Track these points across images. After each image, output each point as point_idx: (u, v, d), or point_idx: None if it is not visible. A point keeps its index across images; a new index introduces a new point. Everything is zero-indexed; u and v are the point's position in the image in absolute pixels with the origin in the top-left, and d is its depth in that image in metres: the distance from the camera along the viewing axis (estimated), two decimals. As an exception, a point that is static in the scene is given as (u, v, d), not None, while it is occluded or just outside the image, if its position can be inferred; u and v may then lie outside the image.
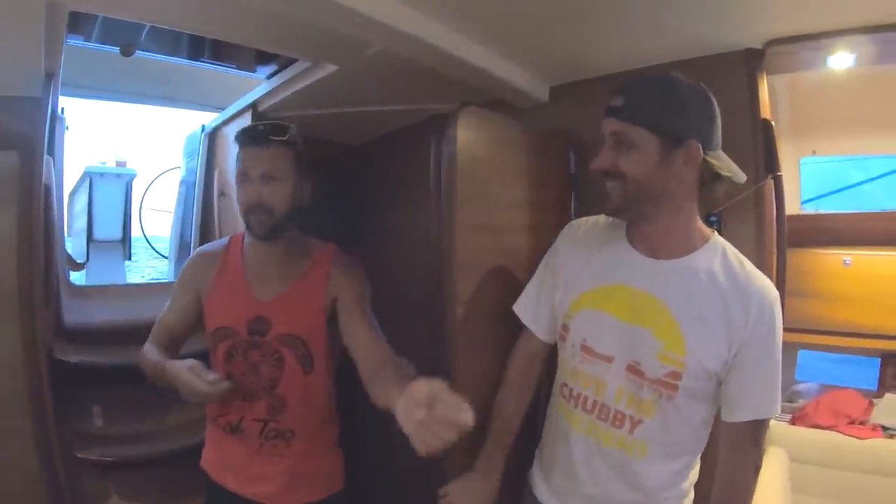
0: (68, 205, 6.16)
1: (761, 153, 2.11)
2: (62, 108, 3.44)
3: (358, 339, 1.90)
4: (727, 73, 2.13)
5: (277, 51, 2.57)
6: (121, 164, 6.52)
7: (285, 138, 1.90)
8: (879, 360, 3.75)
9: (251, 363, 1.93)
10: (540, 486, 1.83)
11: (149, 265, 10.38)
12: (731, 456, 1.61)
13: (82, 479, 2.69)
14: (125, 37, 2.97)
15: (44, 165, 2.58)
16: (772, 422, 1.68)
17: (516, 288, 1.96)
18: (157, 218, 7.19)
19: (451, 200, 1.85)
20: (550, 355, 1.88)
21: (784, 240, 2.14)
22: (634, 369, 1.59)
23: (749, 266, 1.58)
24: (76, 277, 4.78)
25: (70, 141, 3.77)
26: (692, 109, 1.52)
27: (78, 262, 5.29)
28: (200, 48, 3.23)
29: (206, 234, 4.02)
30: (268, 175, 1.87)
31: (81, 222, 6.13)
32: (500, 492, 1.85)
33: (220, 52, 3.23)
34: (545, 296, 1.83)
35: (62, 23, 2.07)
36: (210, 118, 4.09)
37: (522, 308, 1.89)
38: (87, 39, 2.97)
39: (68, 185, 5.76)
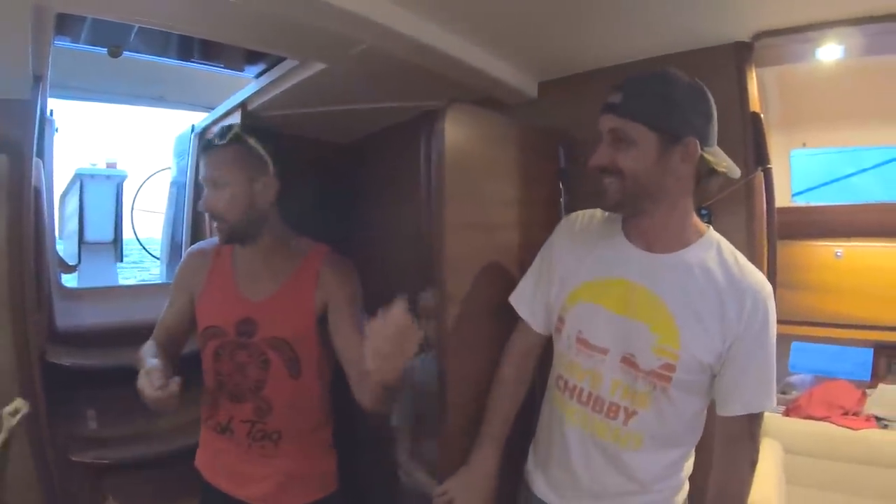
0: (59, 207, 6.13)
1: (751, 146, 2.12)
2: (51, 111, 3.42)
3: (346, 345, 1.88)
4: (716, 67, 2.13)
5: (265, 50, 2.57)
6: (111, 165, 6.49)
7: (225, 142, 1.86)
8: (872, 350, 3.77)
9: (238, 364, 1.91)
10: (536, 479, 1.83)
11: (141, 266, 10.36)
12: (726, 449, 1.62)
13: (77, 482, 2.68)
14: (113, 38, 2.95)
15: (33, 168, 2.57)
16: (765, 414, 1.69)
17: (507, 284, 1.96)
18: (149, 219, 7.17)
19: (440, 197, 1.84)
20: (545, 349, 1.88)
21: (774, 232, 2.15)
22: (629, 361, 1.60)
23: (743, 261, 1.59)
24: (68, 280, 4.76)
25: (60, 143, 3.75)
26: (690, 106, 1.52)
27: (69, 264, 5.27)
28: (189, 48, 3.22)
29: (197, 235, 4.00)
30: (212, 181, 1.86)
31: (73, 224, 6.11)
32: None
33: (209, 51, 3.22)
34: (541, 289, 1.83)
35: (49, 25, 2.06)
36: (200, 118, 4.08)
37: (518, 300, 1.89)
38: (76, 41, 2.96)
39: (59, 187, 5.74)
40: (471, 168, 1.96)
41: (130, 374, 1.92)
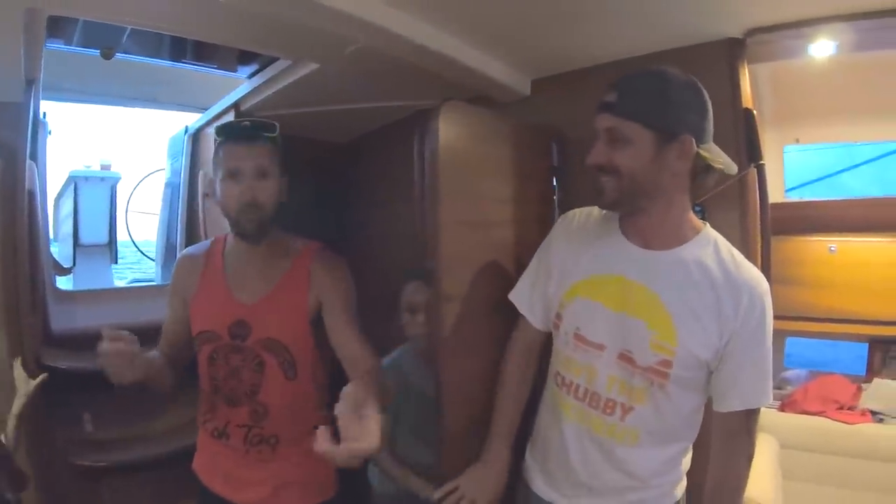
0: (53, 210, 6.14)
1: (743, 142, 2.12)
2: (44, 113, 3.42)
3: (344, 344, 1.87)
4: (708, 63, 2.13)
5: (257, 50, 2.57)
6: (105, 167, 6.48)
7: (274, 135, 1.87)
8: (867, 345, 3.78)
9: (232, 367, 1.89)
10: (534, 475, 1.84)
11: (136, 268, 10.33)
12: (723, 445, 1.62)
13: (75, 485, 2.68)
14: (106, 39, 2.95)
15: (27, 171, 2.56)
16: (761, 409, 1.69)
17: (501, 281, 1.97)
18: (144, 221, 7.16)
19: (434, 196, 1.85)
20: (546, 345, 1.89)
21: (768, 228, 2.15)
22: (626, 357, 1.60)
23: (740, 257, 1.59)
24: (63, 282, 4.76)
25: (53, 146, 3.76)
26: (685, 104, 1.53)
27: (64, 266, 5.27)
28: (182, 49, 3.22)
29: (191, 236, 4.00)
30: (260, 172, 1.82)
31: (67, 227, 6.10)
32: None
33: (202, 52, 3.22)
34: (539, 286, 1.84)
35: (41, 27, 2.06)
36: (193, 119, 4.08)
37: (518, 297, 1.89)
38: (68, 43, 2.96)
39: (53, 189, 5.74)
40: (464, 166, 1.96)
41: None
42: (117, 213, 6.57)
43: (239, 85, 3.12)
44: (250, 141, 1.83)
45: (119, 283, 6.91)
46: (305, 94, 2.74)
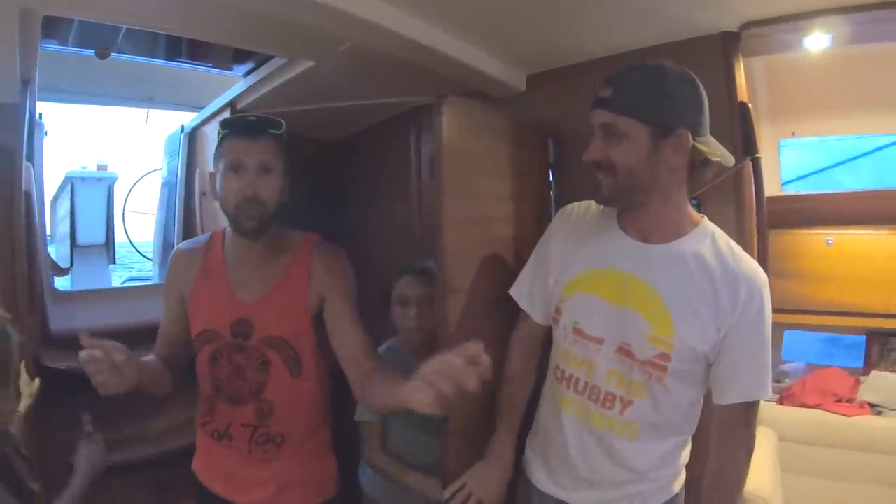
0: (51, 211, 6.14)
1: (739, 136, 2.13)
2: (40, 114, 3.41)
3: (344, 341, 1.87)
4: (703, 57, 2.13)
5: (252, 48, 2.57)
6: (102, 167, 6.48)
7: (279, 132, 1.84)
8: (865, 338, 3.79)
9: (236, 367, 1.86)
10: (534, 469, 1.85)
11: (134, 268, 10.33)
12: (723, 439, 1.63)
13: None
14: (101, 39, 2.95)
15: (24, 172, 2.56)
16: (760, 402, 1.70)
17: (502, 277, 1.98)
18: (142, 221, 7.16)
19: (439, 191, 1.85)
20: (547, 339, 1.89)
21: (764, 221, 2.16)
22: (625, 351, 1.61)
23: (738, 250, 1.60)
24: (61, 283, 4.75)
25: (50, 146, 3.75)
26: (681, 98, 1.53)
27: (62, 267, 5.27)
28: (177, 48, 3.21)
29: (189, 235, 3.98)
30: (264, 167, 1.78)
31: (65, 227, 6.11)
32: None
33: (197, 51, 3.22)
34: (539, 280, 1.84)
35: (36, 28, 2.05)
36: (189, 118, 4.07)
37: (518, 293, 1.90)
38: (63, 43, 2.95)
39: (50, 190, 5.73)
40: (467, 162, 1.97)
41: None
42: (114, 214, 6.56)
43: (234, 83, 3.12)
44: (255, 135, 1.80)
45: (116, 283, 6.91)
46: (301, 91, 2.74)
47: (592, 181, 1.61)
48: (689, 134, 1.51)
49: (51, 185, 6.07)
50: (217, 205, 1.88)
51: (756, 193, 2.14)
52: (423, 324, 2.37)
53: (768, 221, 2.19)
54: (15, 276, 2.48)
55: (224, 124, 1.86)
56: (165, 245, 4.53)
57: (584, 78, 1.71)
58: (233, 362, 1.86)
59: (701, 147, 1.54)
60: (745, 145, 2.12)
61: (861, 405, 3.32)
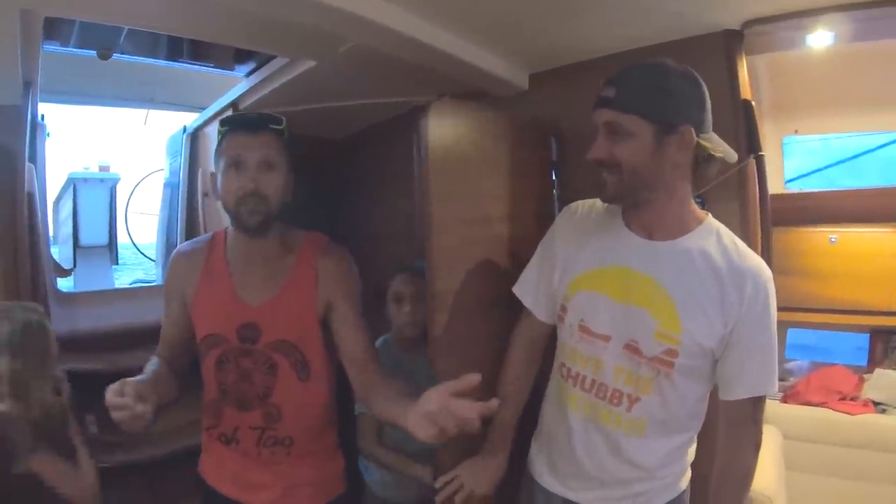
0: (53, 212, 6.15)
1: (743, 134, 2.12)
2: (42, 116, 3.42)
3: (350, 345, 1.86)
4: (706, 55, 2.13)
5: (254, 48, 2.57)
6: (104, 168, 6.49)
7: (281, 127, 1.81)
8: (869, 336, 3.78)
9: (243, 371, 1.83)
10: (539, 468, 1.85)
11: (141, 270, 10.33)
12: (730, 435, 1.63)
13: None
14: (103, 40, 2.95)
15: (26, 173, 2.56)
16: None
17: (499, 277, 1.99)
18: (145, 222, 7.17)
19: (426, 194, 1.85)
20: (549, 338, 1.89)
21: (768, 219, 2.15)
22: (632, 348, 1.61)
23: (743, 246, 1.60)
24: (64, 284, 4.76)
25: (52, 148, 3.76)
26: (683, 95, 1.53)
27: (65, 268, 5.28)
28: (178, 48, 3.22)
29: (191, 236, 3.98)
30: (265, 162, 1.75)
31: (67, 229, 6.11)
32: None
33: (199, 51, 3.23)
34: (544, 278, 1.84)
35: (38, 29, 2.06)
36: (191, 118, 4.08)
37: (522, 290, 1.90)
38: (65, 45, 2.96)
39: (52, 191, 5.74)
40: (457, 163, 1.96)
41: (129, 376, 1.90)
42: (117, 215, 6.57)
43: (236, 84, 3.12)
44: (255, 130, 1.77)
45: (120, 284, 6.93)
46: (303, 91, 2.73)
47: (596, 179, 1.61)
48: (693, 130, 1.52)
49: (53, 187, 6.08)
50: (220, 205, 1.85)
51: (760, 191, 2.14)
52: (416, 320, 2.46)
53: (771, 219, 2.19)
54: (18, 278, 2.49)
55: (224, 122, 1.84)
56: (168, 246, 4.53)
57: (587, 76, 1.71)
58: (239, 367, 1.84)
59: (704, 143, 1.54)
60: (749, 143, 2.12)
61: (865, 403, 3.31)
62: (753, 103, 2.17)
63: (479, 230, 2.06)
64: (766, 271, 1.57)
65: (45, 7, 1.92)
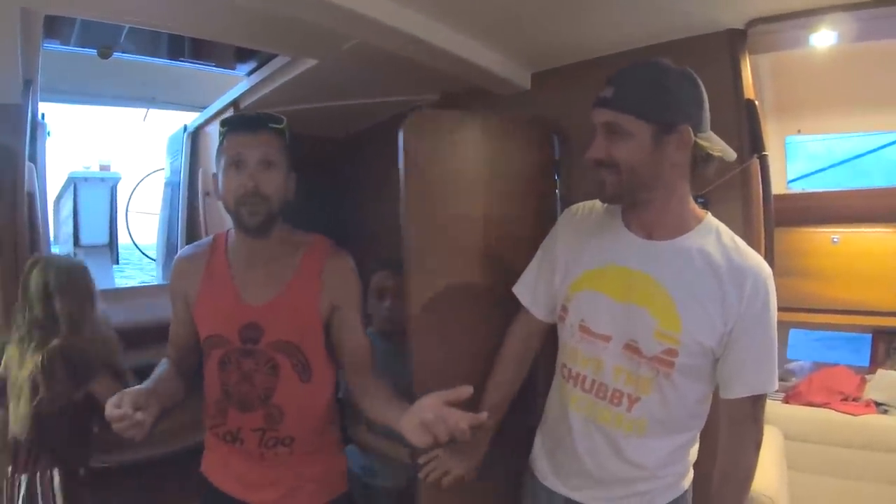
0: (54, 211, 6.15)
1: (746, 133, 2.12)
2: (43, 114, 3.41)
3: (351, 349, 1.88)
4: (710, 54, 2.13)
5: (256, 47, 2.57)
6: (105, 167, 6.50)
7: (281, 127, 1.81)
8: (871, 336, 3.78)
9: (244, 372, 1.83)
10: (542, 467, 1.85)
11: (138, 268, 10.35)
12: (731, 433, 1.63)
13: (79, 485, 2.67)
14: (103, 38, 2.95)
15: (26, 172, 2.56)
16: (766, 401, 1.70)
17: (488, 275, 2.05)
18: (145, 221, 7.17)
19: (406, 204, 1.94)
20: (549, 337, 1.90)
21: (771, 219, 2.15)
22: (632, 348, 1.61)
23: (742, 244, 1.60)
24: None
25: (53, 147, 3.75)
26: (681, 94, 1.54)
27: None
28: (180, 47, 3.22)
29: (192, 235, 4.00)
30: (266, 161, 1.75)
31: (68, 228, 6.12)
32: (499, 476, 1.92)
33: (200, 50, 3.23)
34: (543, 278, 1.85)
35: (38, 27, 2.05)
36: (191, 118, 4.07)
37: (521, 289, 1.91)
38: (65, 43, 2.96)
39: (53, 191, 5.75)
40: (438, 173, 2.01)
41: (129, 375, 1.90)
42: (117, 214, 6.57)
43: (237, 83, 3.12)
44: (255, 129, 1.77)
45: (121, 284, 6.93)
46: (305, 90, 2.73)
47: (596, 179, 1.61)
48: (691, 130, 1.52)
49: (54, 186, 6.10)
50: (221, 205, 1.84)
51: (763, 191, 2.13)
52: (395, 314, 2.47)
53: (774, 219, 2.19)
54: (18, 277, 2.48)
55: (224, 122, 1.84)
56: (169, 245, 4.53)
57: (590, 75, 1.70)
58: (241, 368, 1.83)
59: (702, 142, 1.55)
60: (753, 143, 2.12)
61: (867, 404, 3.31)
62: (757, 103, 2.17)
63: (462, 231, 2.08)
64: (766, 269, 1.57)
65: (46, 5, 1.92)
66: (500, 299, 1.95)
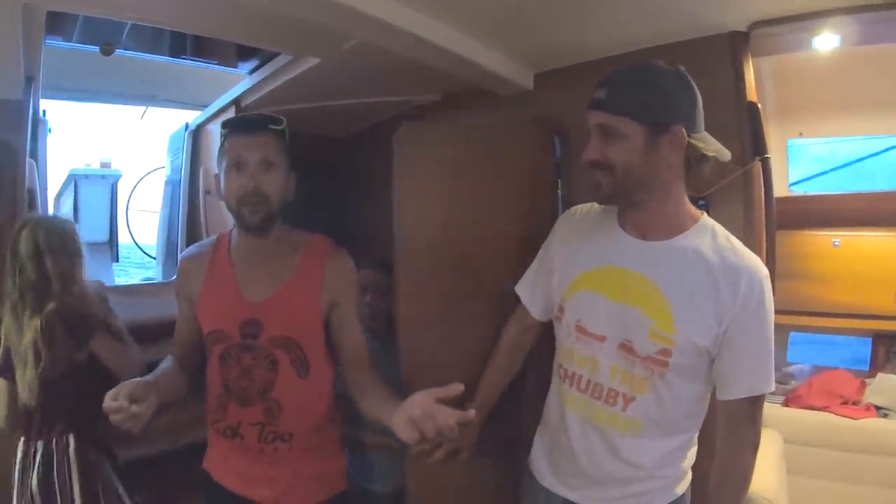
0: (54, 208, 6.14)
1: (748, 136, 2.12)
2: (44, 111, 3.41)
3: (351, 348, 1.91)
4: (712, 57, 2.13)
5: (258, 45, 2.56)
6: (105, 165, 6.50)
7: (280, 128, 1.84)
8: (871, 340, 3.77)
9: (244, 367, 1.86)
10: (541, 468, 1.85)
11: (137, 266, 10.34)
12: (729, 434, 1.62)
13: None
14: (106, 36, 2.95)
15: (27, 169, 2.56)
16: (765, 404, 1.70)
17: (479, 274, 2.06)
18: (146, 219, 7.17)
19: (396, 204, 1.99)
20: (546, 336, 1.90)
21: (773, 222, 2.15)
22: (626, 347, 1.61)
23: (738, 244, 1.59)
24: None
25: (53, 143, 3.75)
26: (674, 95, 1.54)
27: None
28: (182, 45, 3.22)
29: (192, 233, 4.00)
30: (265, 162, 1.78)
31: (68, 225, 6.10)
32: (499, 477, 1.97)
33: (202, 48, 3.23)
34: (541, 278, 1.86)
35: (40, 24, 2.05)
36: (193, 116, 4.07)
37: (521, 288, 1.93)
38: (67, 40, 2.96)
39: (53, 188, 5.74)
40: (431, 182, 2.04)
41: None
42: (118, 211, 6.58)
43: (239, 81, 3.12)
44: (255, 131, 1.80)
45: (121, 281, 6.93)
46: (306, 89, 2.73)
47: (591, 181, 1.62)
48: (685, 130, 1.52)
49: (54, 183, 6.09)
50: (222, 204, 1.87)
51: (765, 193, 2.13)
52: (376, 311, 2.55)
53: (776, 222, 2.18)
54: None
55: (225, 124, 1.86)
56: (169, 243, 4.53)
57: (592, 76, 1.69)
58: (241, 363, 1.86)
59: (696, 143, 1.55)
60: (754, 145, 2.11)
61: (867, 407, 3.31)
62: (759, 105, 2.17)
63: (455, 231, 2.11)
64: (762, 269, 1.56)
65: (48, 1, 1.92)
66: (495, 299, 1.97)
